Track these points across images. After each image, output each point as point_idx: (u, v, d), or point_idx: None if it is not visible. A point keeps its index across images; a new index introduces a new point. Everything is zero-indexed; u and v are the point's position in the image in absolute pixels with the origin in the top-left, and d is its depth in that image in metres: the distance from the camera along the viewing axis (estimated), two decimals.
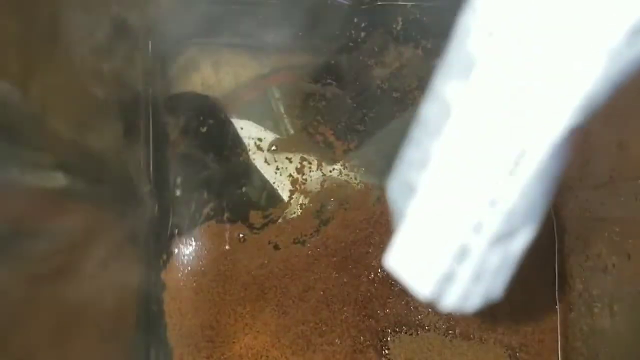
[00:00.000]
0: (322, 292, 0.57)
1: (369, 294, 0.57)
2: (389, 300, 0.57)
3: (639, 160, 0.47)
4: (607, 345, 0.50)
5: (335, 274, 0.58)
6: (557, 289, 0.57)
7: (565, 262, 0.57)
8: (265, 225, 0.58)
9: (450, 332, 0.57)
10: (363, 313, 0.57)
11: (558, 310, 0.57)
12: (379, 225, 0.58)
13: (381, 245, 0.58)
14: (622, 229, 0.48)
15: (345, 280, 0.58)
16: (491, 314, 0.57)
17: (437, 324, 0.57)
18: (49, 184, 0.35)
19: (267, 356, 0.57)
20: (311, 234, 0.58)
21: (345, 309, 0.57)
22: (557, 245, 0.57)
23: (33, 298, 0.34)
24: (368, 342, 0.57)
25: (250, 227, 0.58)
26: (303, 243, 0.58)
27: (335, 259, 0.58)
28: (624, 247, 0.48)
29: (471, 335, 0.57)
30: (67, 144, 0.39)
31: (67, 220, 0.38)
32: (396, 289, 0.57)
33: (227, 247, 0.58)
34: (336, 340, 0.57)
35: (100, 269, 0.45)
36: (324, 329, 0.57)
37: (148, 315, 0.56)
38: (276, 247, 0.58)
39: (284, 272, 0.58)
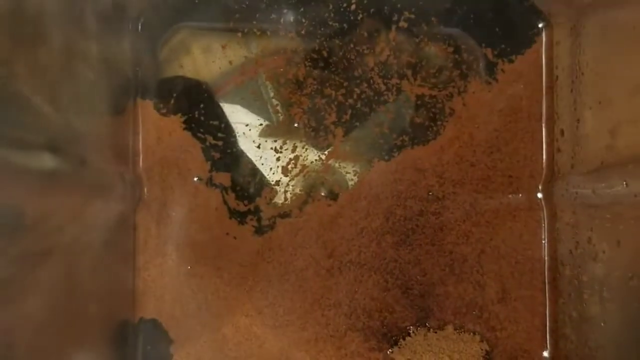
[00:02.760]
0: (311, 282, 0.58)
1: (364, 288, 0.58)
2: (382, 294, 0.58)
3: (629, 147, 0.47)
4: (597, 332, 0.50)
5: (323, 263, 0.58)
6: (546, 275, 0.57)
7: (554, 248, 0.57)
8: (252, 211, 0.58)
9: (435, 324, 0.57)
10: (357, 308, 0.58)
11: (547, 296, 0.57)
12: (369, 214, 0.58)
13: (372, 233, 0.58)
14: (613, 215, 0.48)
15: (333, 270, 0.58)
16: (480, 302, 0.57)
17: (427, 321, 0.57)
18: (36, 165, 0.35)
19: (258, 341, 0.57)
20: (300, 221, 0.58)
21: (335, 301, 0.58)
22: (547, 232, 0.57)
23: (22, 280, 0.34)
24: (367, 341, 0.57)
25: (238, 212, 0.58)
26: (292, 230, 0.58)
27: (323, 248, 0.58)
28: (614, 234, 0.48)
29: (459, 325, 0.57)
30: (54, 126, 0.39)
31: (55, 202, 0.37)
32: (390, 282, 0.57)
33: (215, 231, 0.57)
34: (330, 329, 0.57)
35: (87, 256, 0.44)
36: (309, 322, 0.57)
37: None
38: (263, 233, 0.58)
39: (271, 259, 0.58)
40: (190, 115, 0.58)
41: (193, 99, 0.58)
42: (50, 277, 0.38)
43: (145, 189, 0.57)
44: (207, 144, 0.58)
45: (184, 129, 0.57)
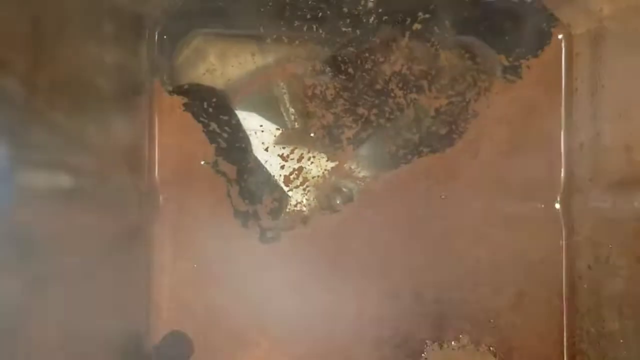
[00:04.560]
0: (314, 297, 0.57)
1: (371, 298, 0.57)
2: (391, 302, 0.57)
3: None
4: (615, 349, 0.50)
5: (327, 276, 0.57)
6: (564, 289, 0.57)
7: (573, 263, 0.56)
8: (253, 215, 0.57)
9: (452, 333, 0.57)
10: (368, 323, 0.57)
11: (565, 311, 0.57)
12: (375, 224, 0.58)
13: (378, 243, 0.57)
14: (633, 230, 0.48)
15: (338, 283, 0.57)
16: (496, 308, 0.57)
17: (442, 330, 0.57)
18: (56, 185, 0.34)
19: None
20: (303, 234, 0.58)
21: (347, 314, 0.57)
22: (565, 246, 0.57)
23: (38, 300, 0.34)
24: (378, 350, 0.57)
25: (240, 212, 0.57)
26: (295, 243, 0.58)
27: (327, 261, 0.57)
28: (634, 250, 0.48)
29: (475, 335, 0.57)
30: (72, 142, 0.38)
31: (72, 221, 0.37)
32: (400, 289, 0.57)
33: (222, 228, 0.57)
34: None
35: (102, 271, 0.44)
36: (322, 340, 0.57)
37: None
38: (266, 242, 0.57)
39: (273, 270, 0.57)
40: (202, 108, 0.57)
41: (208, 104, 0.57)
42: (66, 295, 0.38)
43: (161, 197, 0.57)
44: (211, 128, 0.57)
45: (198, 121, 0.57)
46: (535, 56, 0.58)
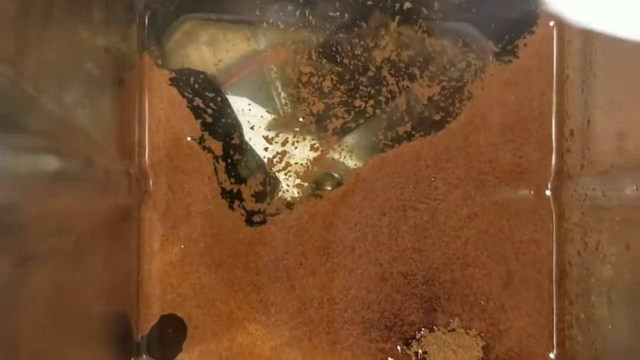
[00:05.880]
0: (302, 281, 0.57)
1: (359, 282, 0.57)
2: (380, 285, 0.57)
3: (638, 151, 0.46)
4: (604, 335, 0.50)
5: (314, 261, 0.58)
6: (554, 275, 0.57)
7: (563, 249, 0.57)
8: (237, 195, 0.58)
9: (443, 316, 0.57)
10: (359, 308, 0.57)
11: (554, 297, 0.57)
12: (363, 209, 0.58)
13: (366, 227, 0.58)
14: (622, 218, 0.48)
15: (326, 268, 0.57)
16: (486, 290, 0.57)
17: (433, 312, 0.57)
18: (42, 169, 0.34)
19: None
20: (290, 219, 0.58)
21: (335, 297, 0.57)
22: (555, 232, 0.57)
23: (26, 282, 0.34)
24: (367, 333, 0.57)
25: (226, 191, 0.58)
26: (283, 228, 0.58)
27: (314, 246, 0.58)
28: (623, 237, 0.48)
29: (466, 318, 0.57)
30: (60, 125, 0.38)
31: (59, 203, 0.37)
32: (388, 272, 0.57)
33: (209, 206, 0.57)
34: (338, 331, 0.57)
35: (92, 254, 0.44)
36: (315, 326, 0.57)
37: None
38: (253, 225, 0.58)
39: (261, 254, 0.57)
40: (188, 83, 0.57)
41: (195, 80, 0.57)
42: (54, 278, 0.38)
43: (151, 181, 0.57)
44: (195, 103, 0.57)
45: (182, 95, 0.57)
46: (532, 33, 0.58)
